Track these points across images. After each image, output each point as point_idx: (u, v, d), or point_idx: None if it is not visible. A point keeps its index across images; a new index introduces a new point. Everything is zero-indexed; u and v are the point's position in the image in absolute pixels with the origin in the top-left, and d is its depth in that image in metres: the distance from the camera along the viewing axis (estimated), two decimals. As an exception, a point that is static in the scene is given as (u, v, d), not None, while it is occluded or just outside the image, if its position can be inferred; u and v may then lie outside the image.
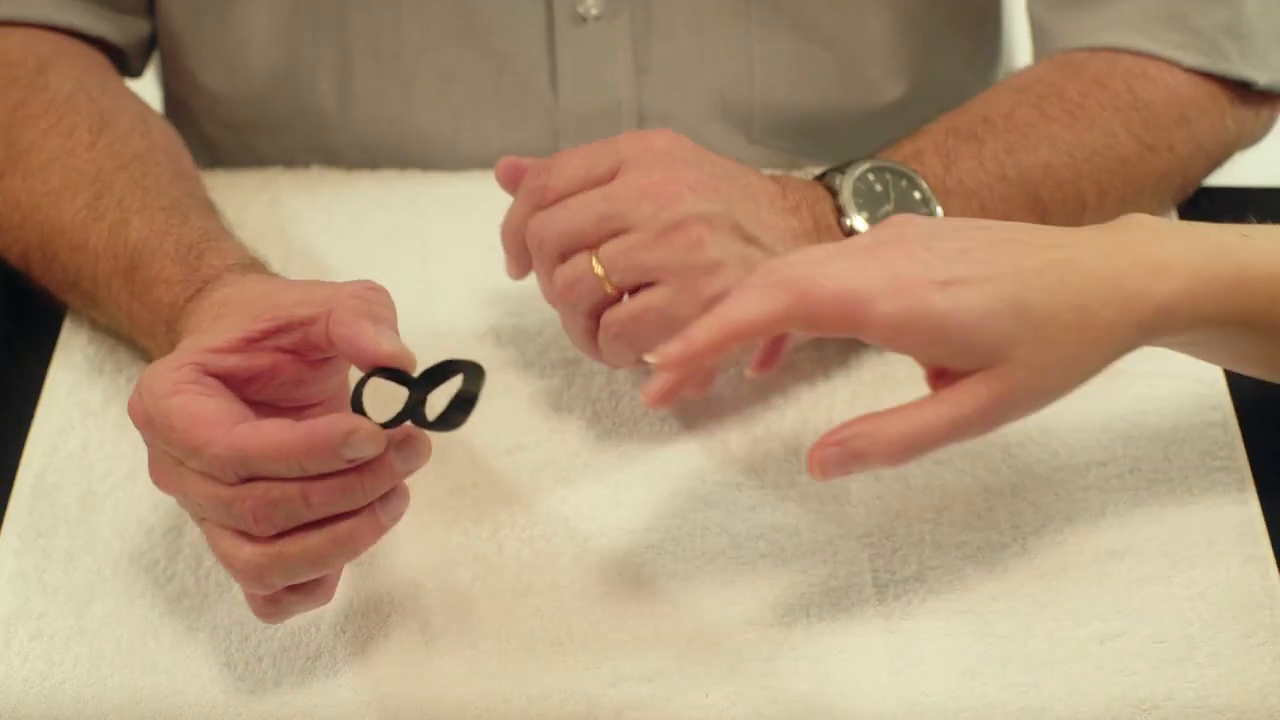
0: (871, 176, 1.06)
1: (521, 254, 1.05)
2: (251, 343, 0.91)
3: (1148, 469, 1.04)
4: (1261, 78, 1.16)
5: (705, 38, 1.22)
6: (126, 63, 1.22)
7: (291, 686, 0.95)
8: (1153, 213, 1.13)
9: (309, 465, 0.87)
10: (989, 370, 0.90)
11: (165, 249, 1.03)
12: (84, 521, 1.02)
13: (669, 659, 0.96)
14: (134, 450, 1.05)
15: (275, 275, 1.01)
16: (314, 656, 0.96)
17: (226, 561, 0.91)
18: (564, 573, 1.00)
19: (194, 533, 1.01)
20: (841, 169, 1.07)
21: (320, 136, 1.25)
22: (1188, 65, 1.14)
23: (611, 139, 1.03)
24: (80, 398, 1.08)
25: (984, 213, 1.08)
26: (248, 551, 0.89)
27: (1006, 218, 1.07)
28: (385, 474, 0.89)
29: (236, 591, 0.98)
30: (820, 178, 1.08)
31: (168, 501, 1.02)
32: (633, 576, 1.00)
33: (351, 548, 0.90)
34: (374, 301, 0.91)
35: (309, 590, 0.92)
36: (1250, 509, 1.02)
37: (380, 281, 1.14)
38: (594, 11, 1.20)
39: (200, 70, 1.24)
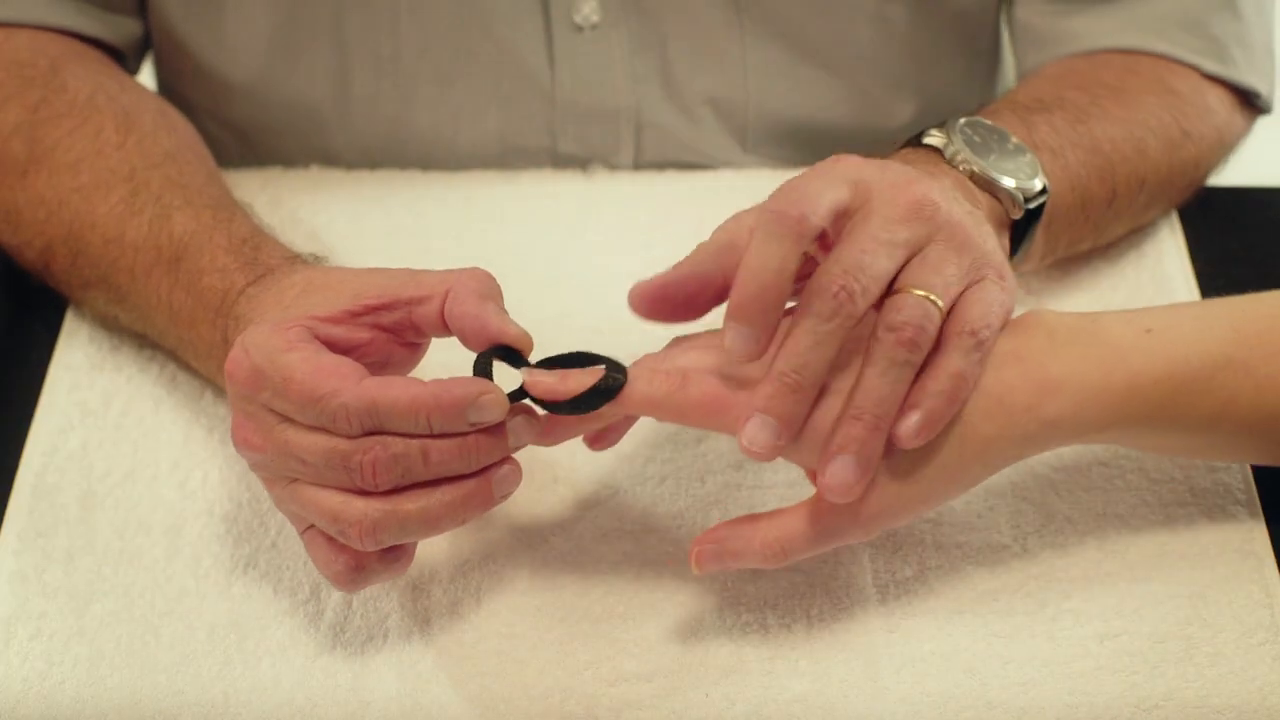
0: (968, 130, 1.03)
1: (773, 312, 0.91)
2: (355, 316, 0.93)
3: (1149, 469, 1.04)
4: (1262, 88, 1.17)
5: (700, 47, 1.22)
6: (123, 63, 1.23)
7: (291, 686, 0.95)
8: (1175, 202, 1.14)
9: (435, 422, 0.89)
10: None
11: (216, 241, 1.04)
12: (84, 521, 1.02)
13: (669, 659, 0.96)
14: (134, 450, 1.05)
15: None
16: (314, 656, 0.96)
17: (334, 517, 0.90)
18: (564, 572, 1.00)
19: (194, 532, 1.01)
20: (936, 128, 1.03)
21: (318, 138, 1.25)
22: (1207, 71, 1.15)
23: (820, 171, 0.93)
24: (80, 398, 1.08)
25: (1068, 174, 1.06)
26: (361, 506, 0.90)
27: (1086, 185, 1.07)
28: (500, 442, 0.91)
29: (236, 591, 0.98)
30: (914, 144, 1.03)
31: (168, 501, 1.03)
32: (633, 577, 1.00)
33: (463, 512, 0.91)
34: (491, 284, 0.93)
35: (396, 556, 0.93)
36: (1250, 509, 1.02)
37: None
38: (592, 20, 1.20)
39: (195, 72, 1.24)
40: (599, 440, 0.98)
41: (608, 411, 0.93)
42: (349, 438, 0.90)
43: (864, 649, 0.96)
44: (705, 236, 1.17)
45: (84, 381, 1.09)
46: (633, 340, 1.09)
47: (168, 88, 1.28)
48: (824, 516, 0.92)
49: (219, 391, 1.08)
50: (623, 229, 1.19)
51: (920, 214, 0.91)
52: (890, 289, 0.91)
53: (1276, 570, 0.99)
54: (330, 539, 0.92)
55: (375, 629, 0.97)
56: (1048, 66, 1.17)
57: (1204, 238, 1.16)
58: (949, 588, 0.99)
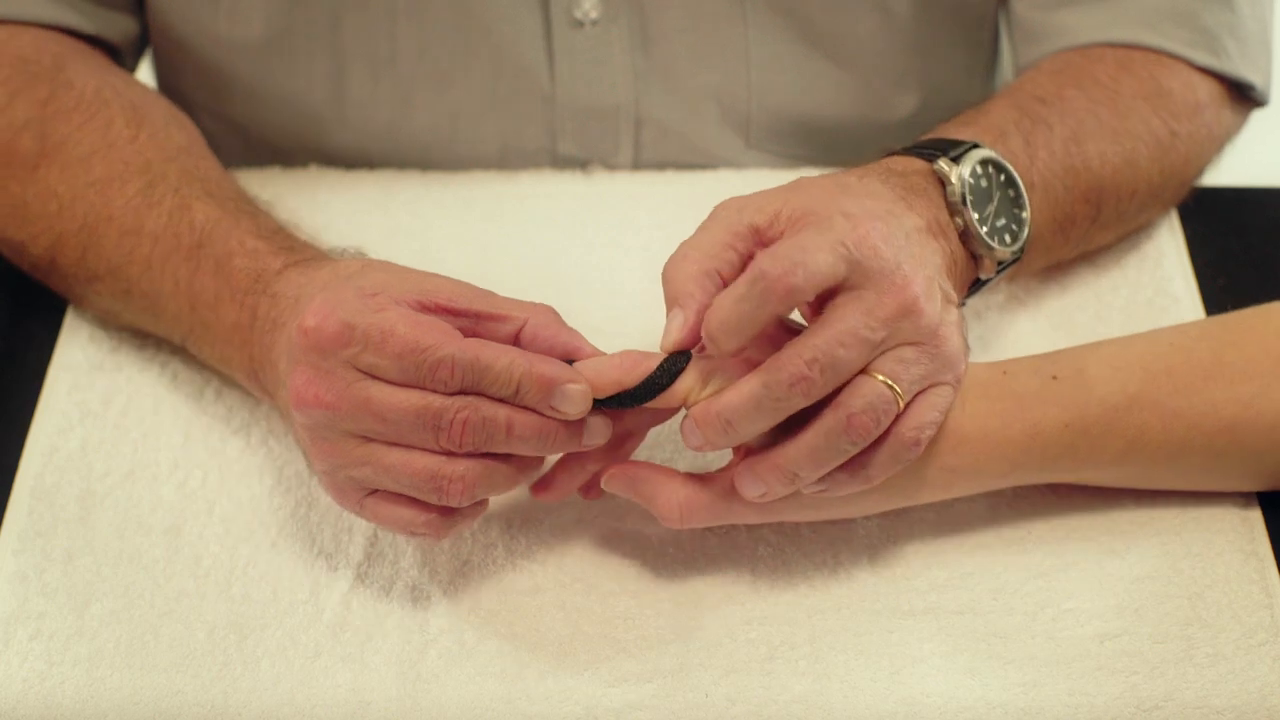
0: (979, 170, 1.02)
1: (749, 351, 0.94)
2: (425, 308, 0.94)
3: (1148, 469, 1.04)
4: (1256, 80, 1.16)
5: (702, 41, 1.22)
6: (119, 60, 1.23)
7: (291, 686, 0.95)
8: (1171, 203, 1.15)
9: (524, 390, 0.92)
10: None
11: (244, 227, 1.05)
12: (83, 521, 1.02)
13: (669, 659, 0.96)
14: (134, 450, 1.05)
15: None
16: (314, 656, 0.96)
17: (432, 474, 0.92)
18: (565, 573, 1.00)
19: (194, 533, 1.01)
20: (950, 154, 1.02)
21: (317, 137, 1.25)
22: (1198, 63, 1.15)
23: (821, 234, 0.93)
24: (80, 398, 1.08)
25: (1053, 207, 1.07)
26: (463, 463, 0.92)
27: (1070, 211, 1.08)
28: (576, 436, 0.94)
29: (236, 591, 0.98)
30: (923, 155, 1.03)
31: (167, 501, 1.03)
32: (633, 576, 1.00)
33: (538, 467, 0.96)
34: (563, 322, 0.96)
35: (484, 503, 0.96)
36: (1250, 509, 1.02)
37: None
38: (592, 15, 1.20)
39: (193, 70, 1.24)
40: (592, 489, 1.00)
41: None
42: (444, 394, 0.92)
43: (864, 649, 0.96)
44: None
45: (84, 381, 1.09)
46: (633, 340, 1.10)
47: (166, 85, 1.28)
48: (731, 498, 0.96)
49: (219, 391, 1.08)
50: (623, 229, 1.19)
51: (907, 318, 0.93)
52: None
53: (1276, 570, 0.99)
54: (408, 498, 0.94)
55: (375, 629, 0.97)
56: (1044, 62, 1.17)
57: (1204, 238, 1.17)
58: (949, 587, 0.99)
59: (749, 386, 0.92)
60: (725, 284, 0.94)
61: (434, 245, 1.17)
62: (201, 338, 1.05)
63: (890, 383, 0.93)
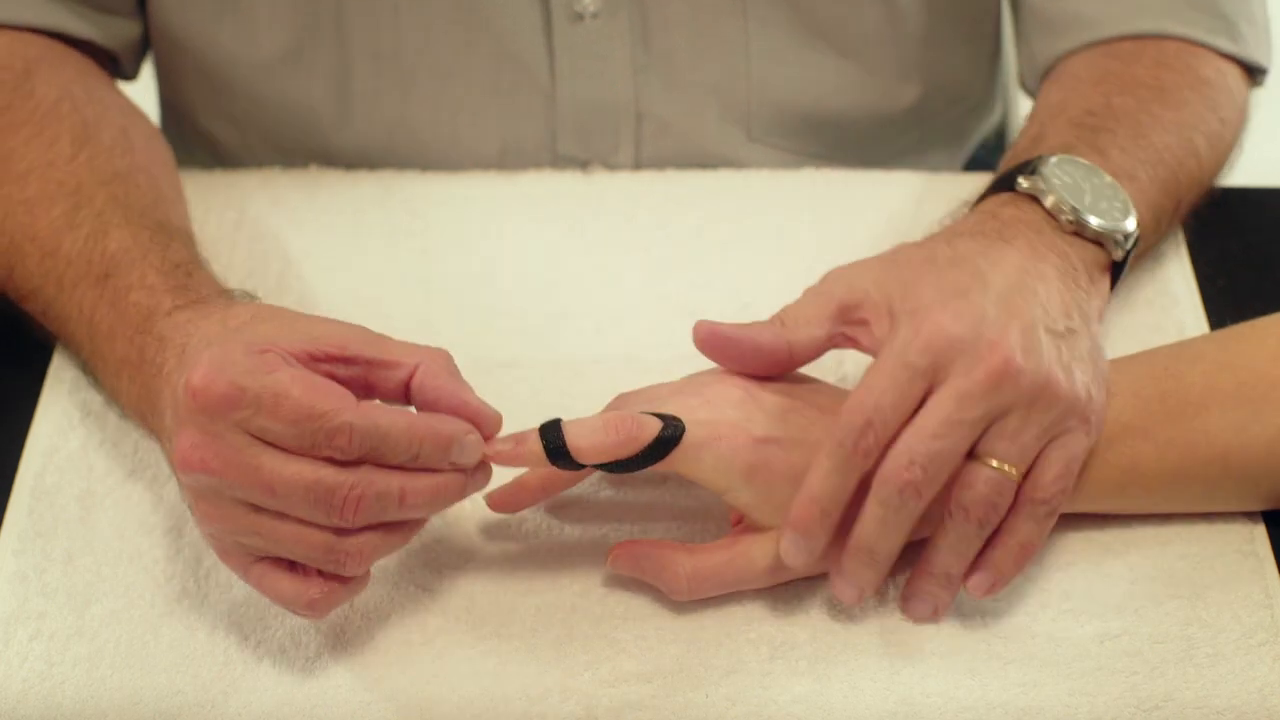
0: (1059, 171, 1.02)
1: (829, 529, 0.94)
2: (315, 359, 0.91)
3: (1148, 469, 1.04)
4: (1267, 63, 1.17)
5: (702, 34, 1.22)
6: (118, 66, 1.22)
7: (291, 686, 0.95)
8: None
9: (424, 452, 0.90)
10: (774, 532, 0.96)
11: (150, 260, 1.02)
12: (83, 522, 1.02)
13: (669, 659, 0.96)
14: (134, 450, 1.05)
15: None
16: (314, 656, 0.96)
17: (328, 548, 0.90)
18: (564, 573, 1.00)
19: (194, 533, 1.01)
20: (1024, 172, 1.02)
21: (318, 138, 1.25)
22: (1222, 50, 1.15)
23: (897, 356, 0.93)
24: (80, 398, 1.08)
25: (1145, 197, 1.06)
26: (359, 540, 0.90)
27: (1159, 202, 1.07)
28: (463, 486, 0.92)
29: (236, 591, 0.98)
30: (1002, 188, 1.03)
31: (168, 501, 1.03)
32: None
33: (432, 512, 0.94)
34: (454, 365, 0.93)
35: (367, 574, 0.94)
36: (1250, 509, 1.02)
37: (380, 282, 1.15)
38: (591, 9, 1.20)
39: (195, 72, 1.24)
40: (503, 504, 1.00)
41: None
42: (338, 464, 0.89)
43: (863, 649, 0.96)
44: (705, 237, 1.18)
45: (84, 381, 1.08)
46: (632, 340, 1.10)
47: (166, 87, 1.28)
48: (738, 566, 0.96)
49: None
50: (623, 229, 1.19)
51: (1000, 386, 0.92)
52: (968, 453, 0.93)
53: (1276, 570, 0.99)
54: (295, 568, 0.92)
55: (375, 629, 0.97)
56: (1074, 64, 1.16)
57: (1204, 238, 1.16)
58: (949, 588, 0.99)
59: (868, 512, 0.93)
60: (794, 359, 0.97)
61: (434, 245, 1.17)
62: (98, 368, 1.04)
63: (997, 462, 0.93)
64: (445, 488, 0.91)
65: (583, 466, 0.94)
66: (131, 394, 1.00)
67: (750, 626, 0.97)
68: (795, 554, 0.94)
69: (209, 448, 0.89)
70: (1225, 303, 1.11)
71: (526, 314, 1.13)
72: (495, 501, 1.00)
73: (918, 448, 0.91)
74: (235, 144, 1.26)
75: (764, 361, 0.97)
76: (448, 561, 1.00)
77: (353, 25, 1.21)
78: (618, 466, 0.94)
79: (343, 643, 0.97)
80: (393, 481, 0.90)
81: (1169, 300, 1.13)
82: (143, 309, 1.00)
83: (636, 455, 0.93)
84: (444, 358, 0.93)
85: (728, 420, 0.95)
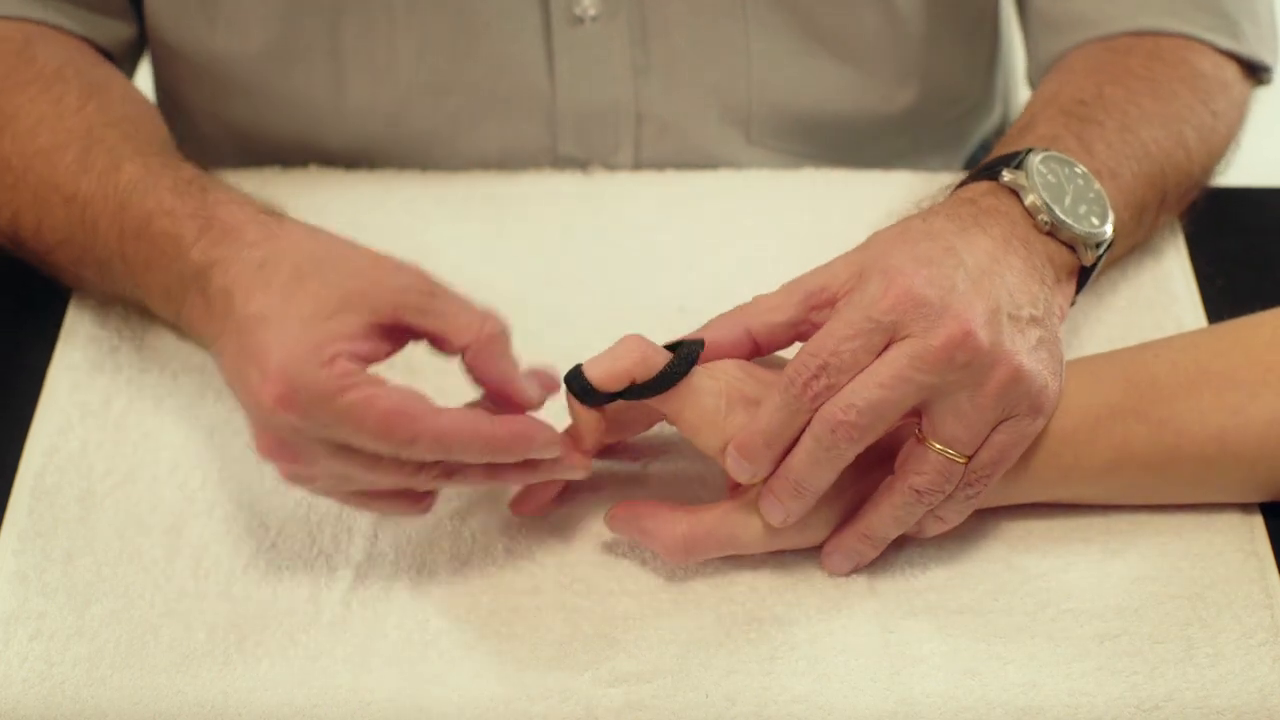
0: (1043, 168, 1.02)
1: (774, 459, 0.95)
2: (382, 330, 0.94)
3: (1148, 469, 1.04)
4: (1270, 61, 1.17)
5: (702, 36, 1.22)
6: (112, 63, 1.22)
7: (291, 686, 0.95)
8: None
9: (497, 457, 0.94)
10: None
11: (163, 183, 1.03)
12: (83, 521, 1.02)
13: (669, 659, 0.96)
14: (134, 450, 1.05)
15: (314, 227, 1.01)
16: (314, 657, 0.96)
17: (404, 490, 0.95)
18: (565, 573, 1.00)
19: (194, 532, 1.01)
20: (1011, 164, 1.02)
21: (316, 139, 1.24)
22: (1221, 47, 1.15)
23: (858, 313, 0.94)
24: (80, 398, 1.08)
25: (1124, 194, 1.06)
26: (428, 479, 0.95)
27: (1142, 198, 1.08)
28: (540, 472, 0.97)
29: (236, 591, 0.98)
30: (985, 175, 1.03)
31: (168, 501, 1.03)
32: (633, 577, 1.00)
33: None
34: (509, 338, 0.96)
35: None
36: (1250, 509, 1.02)
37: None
38: (591, 12, 1.20)
39: (191, 75, 1.24)
40: (522, 506, 1.02)
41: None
42: (415, 468, 0.94)
43: (864, 649, 0.96)
44: (705, 237, 1.18)
45: (84, 381, 1.09)
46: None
47: (163, 88, 1.28)
48: (733, 528, 0.97)
49: (220, 392, 1.07)
50: (623, 229, 1.19)
51: (956, 356, 0.93)
52: (917, 430, 0.95)
53: (1276, 570, 0.99)
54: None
55: (375, 629, 0.97)
56: (1072, 57, 1.17)
57: (1204, 238, 1.16)
58: (949, 588, 0.99)
59: (801, 444, 0.94)
60: (759, 347, 0.98)
61: (434, 245, 1.17)
62: (146, 299, 1.05)
63: (944, 448, 0.94)
64: (522, 474, 0.96)
65: (614, 398, 0.95)
66: (188, 319, 1.01)
67: (750, 626, 0.97)
68: (739, 471, 0.95)
69: (283, 450, 0.94)
70: (1224, 302, 1.11)
71: (526, 314, 1.13)
72: (520, 505, 1.02)
73: (861, 394, 0.93)
74: (233, 144, 1.26)
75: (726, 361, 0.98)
76: (448, 563, 1.00)
77: (346, 34, 1.20)
78: (643, 391, 0.95)
79: (343, 643, 0.97)
80: (474, 469, 0.95)
81: (1169, 300, 1.13)
82: (170, 237, 1.01)
83: (661, 374, 0.95)
84: (493, 334, 0.95)
85: (725, 368, 0.97)
